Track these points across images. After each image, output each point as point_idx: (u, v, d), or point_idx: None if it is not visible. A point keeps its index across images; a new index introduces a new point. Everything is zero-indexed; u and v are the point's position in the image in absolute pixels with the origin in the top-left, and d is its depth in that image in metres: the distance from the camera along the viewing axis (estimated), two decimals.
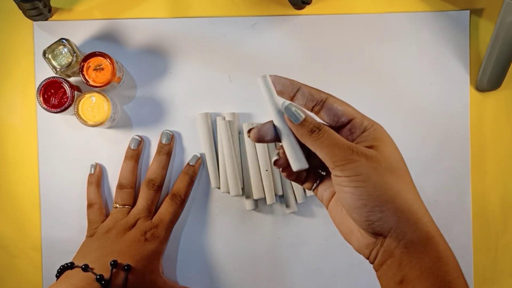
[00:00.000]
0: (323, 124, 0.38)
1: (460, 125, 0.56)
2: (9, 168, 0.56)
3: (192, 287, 0.56)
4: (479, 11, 0.57)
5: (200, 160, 0.55)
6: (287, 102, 0.39)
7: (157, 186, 0.54)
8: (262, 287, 0.56)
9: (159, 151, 0.55)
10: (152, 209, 0.54)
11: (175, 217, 0.55)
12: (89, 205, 0.55)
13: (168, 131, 0.55)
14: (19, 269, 0.56)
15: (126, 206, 0.54)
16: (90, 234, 0.53)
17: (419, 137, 0.56)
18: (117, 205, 0.54)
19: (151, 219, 0.53)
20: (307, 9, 0.56)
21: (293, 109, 0.38)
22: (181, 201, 0.55)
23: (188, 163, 0.55)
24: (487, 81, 0.54)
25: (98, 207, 0.54)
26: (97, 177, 0.55)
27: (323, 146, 0.37)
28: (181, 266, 0.56)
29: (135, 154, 0.55)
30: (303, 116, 0.38)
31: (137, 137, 0.55)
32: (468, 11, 0.56)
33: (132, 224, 0.52)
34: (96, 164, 0.55)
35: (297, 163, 0.38)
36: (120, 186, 0.54)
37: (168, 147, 0.55)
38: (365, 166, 0.36)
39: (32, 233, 0.56)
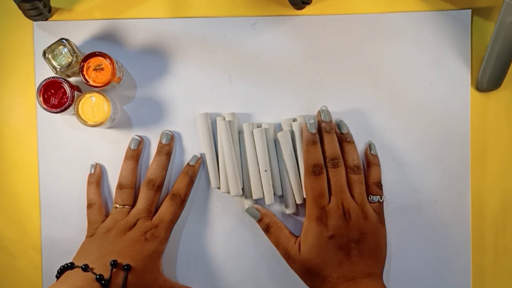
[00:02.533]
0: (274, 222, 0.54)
1: (460, 125, 0.56)
2: (9, 168, 0.56)
3: (192, 287, 0.56)
4: (481, 11, 0.56)
5: (200, 160, 0.55)
6: (246, 206, 0.55)
7: (157, 186, 0.54)
8: (262, 287, 0.56)
9: (159, 151, 0.55)
10: (152, 209, 0.54)
11: (175, 217, 0.55)
12: (89, 205, 0.55)
13: (168, 131, 0.55)
14: (19, 269, 0.56)
15: (126, 206, 0.54)
16: (90, 234, 0.53)
17: (419, 137, 0.56)
18: (117, 205, 0.54)
19: (151, 219, 0.53)
20: (307, 9, 0.56)
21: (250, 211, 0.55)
22: (181, 201, 0.55)
23: (188, 163, 0.55)
24: (487, 81, 0.54)
25: (98, 207, 0.54)
26: (97, 177, 0.55)
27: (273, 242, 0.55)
28: (181, 266, 0.56)
29: (135, 154, 0.55)
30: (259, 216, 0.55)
31: (137, 137, 0.55)
32: (470, 11, 0.56)
33: (132, 224, 0.52)
34: (96, 164, 0.56)
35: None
36: (120, 186, 0.54)
37: (168, 147, 0.55)
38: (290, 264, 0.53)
39: (32, 233, 0.56)
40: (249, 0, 0.56)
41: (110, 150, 0.56)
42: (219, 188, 0.55)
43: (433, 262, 0.56)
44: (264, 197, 0.54)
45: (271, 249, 0.56)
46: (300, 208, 0.56)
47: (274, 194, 0.54)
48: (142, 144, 0.56)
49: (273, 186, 0.54)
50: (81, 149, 0.56)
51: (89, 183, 0.55)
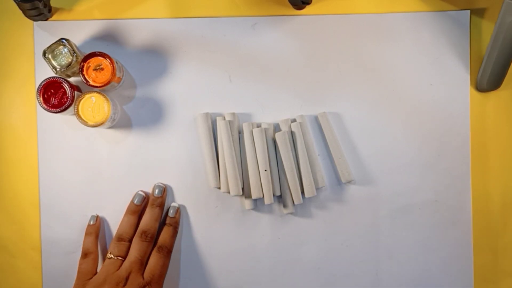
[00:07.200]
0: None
1: (460, 125, 0.56)
2: (9, 168, 0.56)
3: (192, 287, 0.56)
4: (480, 11, 0.57)
5: (179, 211, 0.56)
6: None
7: (150, 238, 0.54)
8: (262, 287, 0.56)
9: (151, 204, 0.55)
10: (144, 261, 0.53)
11: (164, 270, 0.54)
12: (84, 255, 0.53)
13: (160, 184, 0.55)
14: (19, 269, 0.56)
15: (119, 258, 0.53)
16: (81, 286, 0.51)
17: (419, 137, 0.56)
18: (112, 256, 0.53)
19: (143, 274, 0.52)
20: (307, 9, 0.56)
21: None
22: (168, 252, 0.54)
23: (168, 215, 0.55)
24: (487, 81, 0.54)
25: (93, 258, 0.53)
26: (96, 228, 0.55)
27: None
28: (180, 266, 0.56)
29: (137, 209, 0.55)
30: None
31: (141, 193, 0.55)
32: (469, 11, 0.56)
33: (124, 278, 0.51)
34: (97, 216, 0.55)
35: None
36: (118, 239, 0.53)
37: (161, 200, 0.55)
38: None
39: (32, 233, 0.56)
40: (249, 0, 0.56)
41: (110, 150, 0.56)
42: (219, 188, 0.55)
43: (434, 263, 0.56)
44: (263, 196, 0.54)
45: (271, 249, 0.56)
46: (299, 208, 0.56)
47: (273, 194, 0.54)
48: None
49: (272, 185, 0.54)
50: (81, 149, 0.56)
51: (87, 233, 0.54)
